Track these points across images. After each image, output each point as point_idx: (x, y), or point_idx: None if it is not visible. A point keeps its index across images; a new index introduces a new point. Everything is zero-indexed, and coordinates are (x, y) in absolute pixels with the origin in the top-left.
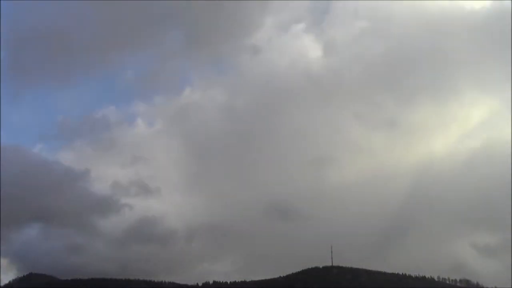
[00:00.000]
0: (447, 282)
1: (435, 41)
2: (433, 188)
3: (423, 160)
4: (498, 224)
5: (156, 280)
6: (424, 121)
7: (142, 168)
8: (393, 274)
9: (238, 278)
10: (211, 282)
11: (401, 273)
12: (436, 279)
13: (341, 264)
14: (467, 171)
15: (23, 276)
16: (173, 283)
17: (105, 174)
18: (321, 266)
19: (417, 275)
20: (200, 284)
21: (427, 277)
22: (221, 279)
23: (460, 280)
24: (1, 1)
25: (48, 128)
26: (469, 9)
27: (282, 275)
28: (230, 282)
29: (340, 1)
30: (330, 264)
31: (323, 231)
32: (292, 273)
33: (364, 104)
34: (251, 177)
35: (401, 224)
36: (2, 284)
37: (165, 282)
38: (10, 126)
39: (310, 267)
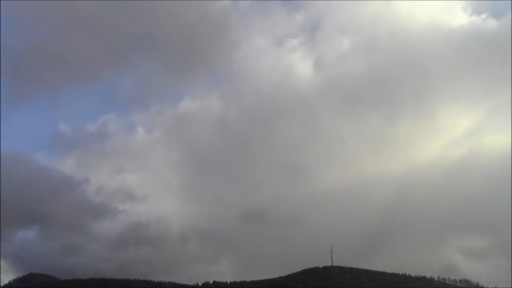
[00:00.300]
0: (447, 282)
1: (419, 57)
2: (417, 194)
3: (408, 168)
4: (484, 229)
5: (156, 280)
6: (409, 132)
7: (139, 175)
8: (393, 274)
9: (238, 278)
10: (211, 282)
11: (401, 273)
12: (436, 279)
13: (341, 264)
14: (451, 178)
15: (23, 276)
16: (173, 283)
17: (103, 181)
18: (321, 266)
19: (417, 275)
20: (200, 284)
21: (427, 277)
22: (221, 279)
23: (460, 280)
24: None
25: (49, 136)
26: (450, 27)
27: (282, 275)
28: (230, 282)
29: (330, 18)
30: (330, 264)
31: (315, 233)
32: (292, 273)
33: (350, 117)
34: (244, 184)
35: (388, 228)
36: (2, 284)
37: (165, 282)
38: (11, 134)
39: (310, 267)
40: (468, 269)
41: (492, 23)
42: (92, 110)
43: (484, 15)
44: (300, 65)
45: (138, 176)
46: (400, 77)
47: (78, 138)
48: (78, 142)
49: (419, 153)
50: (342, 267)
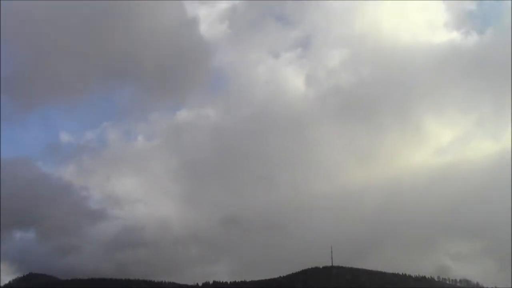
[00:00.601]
0: (447, 282)
1: (404, 72)
2: (404, 201)
3: (396, 175)
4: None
5: (156, 280)
6: (395, 142)
7: (137, 180)
8: (393, 274)
9: (238, 278)
10: (211, 282)
11: (401, 273)
12: (436, 279)
13: (341, 264)
14: (436, 185)
15: (23, 276)
16: (173, 283)
17: (102, 186)
18: (321, 266)
19: (417, 275)
20: (200, 284)
21: (427, 277)
22: (221, 279)
23: (460, 280)
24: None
25: (49, 144)
26: (432, 43)
27: (282, 275)
28: (230, 282)
29: (320, 34)
30: (330, 264)
31: (307, 235)
32: (292, 273)
33: (339, 128)
34: (236, 189)
35: (378, 232)
36: (2, 284)
37: (165, 282)
38: (13, 141)
39: (310, 267)
40: (457, 271)
41: (472, 38)
42: (92, 119)
43: (464, 31)
44: (292, 79)
45: (136, 181)
46: (386, 91)
47: (78, 145)
48: (78, 149)
49: (406, 162)
50: (342, 267)
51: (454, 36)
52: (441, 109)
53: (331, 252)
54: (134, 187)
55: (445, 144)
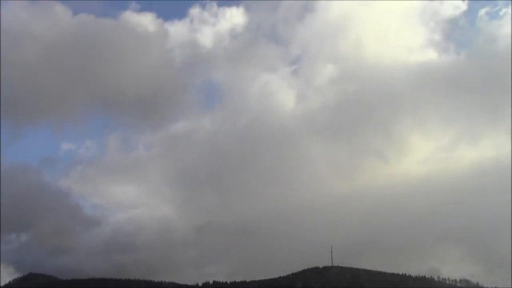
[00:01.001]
0: (447, 282)
1: (387, 90)
2: (388, 211)
3: (379, 186)
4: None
5: (156, 280)
6: (380, 154)
7: (134, 188)
8: (393, 274)
9: (238, 278)
10: (211, 282)
11: (401, 273)
12: (436, 279)
13: (341, 264)
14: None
15: (23, 276)
16: (173, 283)
17: (101, 192)
18: (321, 266)
19: (417, 275)
20: (200, 284)
21: (427, 277)
22: (221, 279)
23: (460, 280)
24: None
25: (51, 154)
26: (411, 64)
27: (282, 275)
28: (230, 282)
29: (310, 52)
30: (330, 264)
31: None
32: (292, 273)
33: (326, 144)
34: (227, 199)
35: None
36: (2, 284)
37: (165, 282)
38: (14, 149)
39: (310, 267)
40: (448, 273)
41: (448, 58)
42: (92, 129)
43: (440, 52)
44: (282, 95)
45: (133, 189)
46: (369, 107)
47: (78, 154)
48: (78, 158)
49: (389, 173)
50: (342, 267)
51: (431, 56)
52: (420, 124)
53: (331, 252)
54: (131, 193)
55: (427, 155)
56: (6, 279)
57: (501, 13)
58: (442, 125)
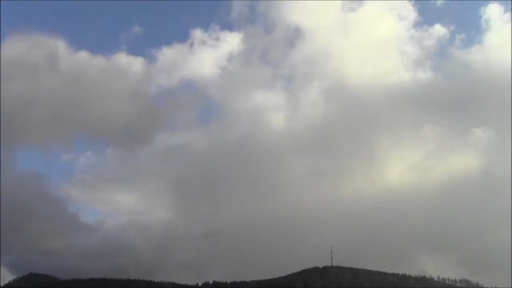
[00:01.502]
0: (447, 282)
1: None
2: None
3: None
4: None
5: (156, 280)
6: (362, 167)
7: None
8: (393, 274)
9: (238, 278)
10: (211, 282)
11: (401, 273)
12: (436, 279)
13: (341, 264)
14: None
15: (23, 276)
16: (173, 283)
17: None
18: (321, 266)
19: (417, 275)
20: (200, 284)
21: (427, 277)
22: (221, 279)
23: (460, 280)
24: None
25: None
26: (389, 83)
27: (282, 275)
28: (230, 282)
29: (298, 75)
30: (330, 264)
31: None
32: (292, 273)
33: (312, 160)
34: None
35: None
36: (2, 284)
37: (165, 282)
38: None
39: (310, 267)
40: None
41: (423, 78)
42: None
43: (420, 71)
44: (271, 113)
45: (131, 198)
46: (351, 125)
47: (79, 163)
48: (79, 167)
49: (370, 185)
50: (342, 267)
51: (406, 78)
52: (399, 141)
53: (331, 252)
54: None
55: (404, 170)
56: (6, 279)
57: (475, 40)
58: (419, 140)
